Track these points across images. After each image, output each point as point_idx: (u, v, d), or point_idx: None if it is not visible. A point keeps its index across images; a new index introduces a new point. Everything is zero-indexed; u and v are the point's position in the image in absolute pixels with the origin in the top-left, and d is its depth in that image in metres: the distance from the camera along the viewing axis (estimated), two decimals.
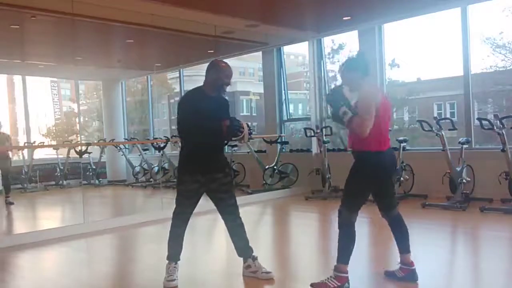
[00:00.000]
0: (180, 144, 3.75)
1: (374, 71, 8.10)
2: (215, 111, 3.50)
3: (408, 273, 3.45)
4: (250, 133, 3.49)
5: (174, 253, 3.62)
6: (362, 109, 3.16)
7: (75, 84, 16.44)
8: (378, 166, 3.28)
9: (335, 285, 3.25)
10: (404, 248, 3.50)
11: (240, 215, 3.72)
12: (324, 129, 8.13)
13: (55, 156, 11.67)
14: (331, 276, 3.29)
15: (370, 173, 3.29)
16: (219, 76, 3.51)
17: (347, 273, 3.28)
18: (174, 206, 3.63)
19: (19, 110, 16.40)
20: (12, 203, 8.62)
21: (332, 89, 3.44)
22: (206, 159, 3.54)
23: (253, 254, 3.72)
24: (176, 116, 3.61)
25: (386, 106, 3.30)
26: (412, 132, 8.87)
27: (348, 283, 3.28)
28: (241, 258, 3.75)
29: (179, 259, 3.64)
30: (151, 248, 5.16)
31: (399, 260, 3.52)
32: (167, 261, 3.62)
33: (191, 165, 3.56)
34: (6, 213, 8.19)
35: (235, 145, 9.73)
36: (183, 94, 11.72)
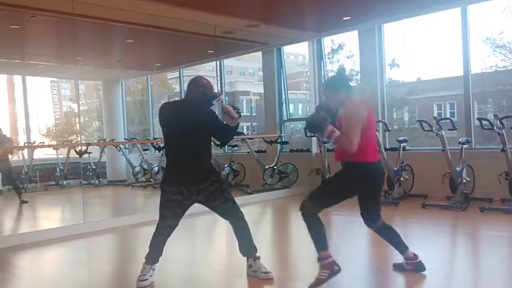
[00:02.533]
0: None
1: (374, 71, 8.11)
2: (195, 119, 3.47)
3: (415, 267, 3.51)
4: (238, 113, 3.48)
5: (152, 256, 3.62)
6: (348, 127, 3.17)
7: (75, 84, 16.40)
8: (367, 176, 3.31)
9: (327, 274, 3.28)
10: (401, 248, 3.54)
11: (242, 215, 3.69)
12: None
13: (55, 156, 11.66)
14: (320, 269, 3.32)
15: (356, 182, 3.31)
16: (203, 92, 3.52)
17: (331, 257, 3.31)
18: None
19: (19, 110, 16.36)
20: (25, 201, 8.61)
21: (315, 113, 3.44)
22: (187, 172, 3.49)
23: (256, 254, 3.72)
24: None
25: (370, 118, 3.31)
26: (412, 132, 8.86)
27: (337, 265, 3.32)
28: (244, 258, 3.75)
29: (157, 262, 3.64)
30: None
31: (403, 258, 3.55)
32: (144, 260, 3.62)
33: (172, 178, 3.56)
34: (7, 213, 8.20)
35: (235, 145, 9.73)
36: (183, 94, 11.73)
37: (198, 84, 3.56)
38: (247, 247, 3.71)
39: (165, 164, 10.49)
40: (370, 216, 3.51)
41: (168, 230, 3.60)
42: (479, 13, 7.28)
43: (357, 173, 3.30)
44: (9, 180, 8.98)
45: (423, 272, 3.51)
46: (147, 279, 3.55)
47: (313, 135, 7.97)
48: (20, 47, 8.92)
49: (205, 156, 3.61)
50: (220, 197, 3.60)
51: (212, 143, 3.73)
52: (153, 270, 3.62)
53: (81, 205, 6.80)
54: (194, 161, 3.51)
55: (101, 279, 4.05)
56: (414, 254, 3.51)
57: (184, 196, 3.50)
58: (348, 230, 5.68)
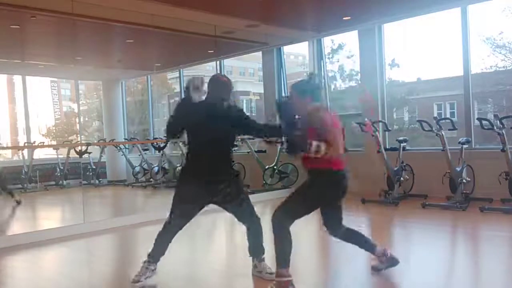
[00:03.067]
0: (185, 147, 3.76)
1: (374, 71, 8.11)
2: (218, 119, 3.46)
3: (388, 262, 3.49)
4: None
5: (154, 253, 3.59)
6: (331, 132, 3.05)
7: (75, 84, 16.40)
8: (333, 182, 3.25)
9: None
10: (369, 247, 3.52)
11: (256, 216, 3.71)
12: None
13: (55, 156, 11.65)
14: (273, 284, 3.23)
15: (325, 190, 3.25)
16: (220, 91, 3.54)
17: (290, 276, 3.20)
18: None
19: (19, 110, 16.36)
20: (19, 202, 8.46)
21: (284, 101, 3.44)
22: (205, 171, 3.47)
23: (263, 256, 3.73)
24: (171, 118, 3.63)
25: (337, 125, 3.24)
26: (412, 132, 8.86)
27: (293, 286, 3.21)
28: (244, 258, 3.77)
29: (158, 260, 3.61)
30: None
31: (373, 256, 3.55)
32: (146, 258, 3.59)
33: (190, 174, 3.56)
34: (7, 213, 8.19)
35: (235, 145, 9.71)
36: (183, 94, 11.73)
37: (218, 81, 3.61)
38: (257, 248, 3.74)
39: (164, 164, 10.58)
40: (336, 225, 3.46)
41: (176, 228, 3.57)
42: (479, 13, 7.28)
43: (324, 179, 3.23)
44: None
45: (423, 272, 3.50)
46: (141, 281, 3.52)
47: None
48: (20, 47, 8.91)
49: (225, 154, 3.60)
50: (236, 199, 3.62)
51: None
52: (152, 270, 3.57)
53: (81, 205, 6.80)
54: (214, 160, 3.49)
55: (101, 279, 4.05)
56: (383, 249, 3.49)
57: (201, 194, 3.50)
58: None
